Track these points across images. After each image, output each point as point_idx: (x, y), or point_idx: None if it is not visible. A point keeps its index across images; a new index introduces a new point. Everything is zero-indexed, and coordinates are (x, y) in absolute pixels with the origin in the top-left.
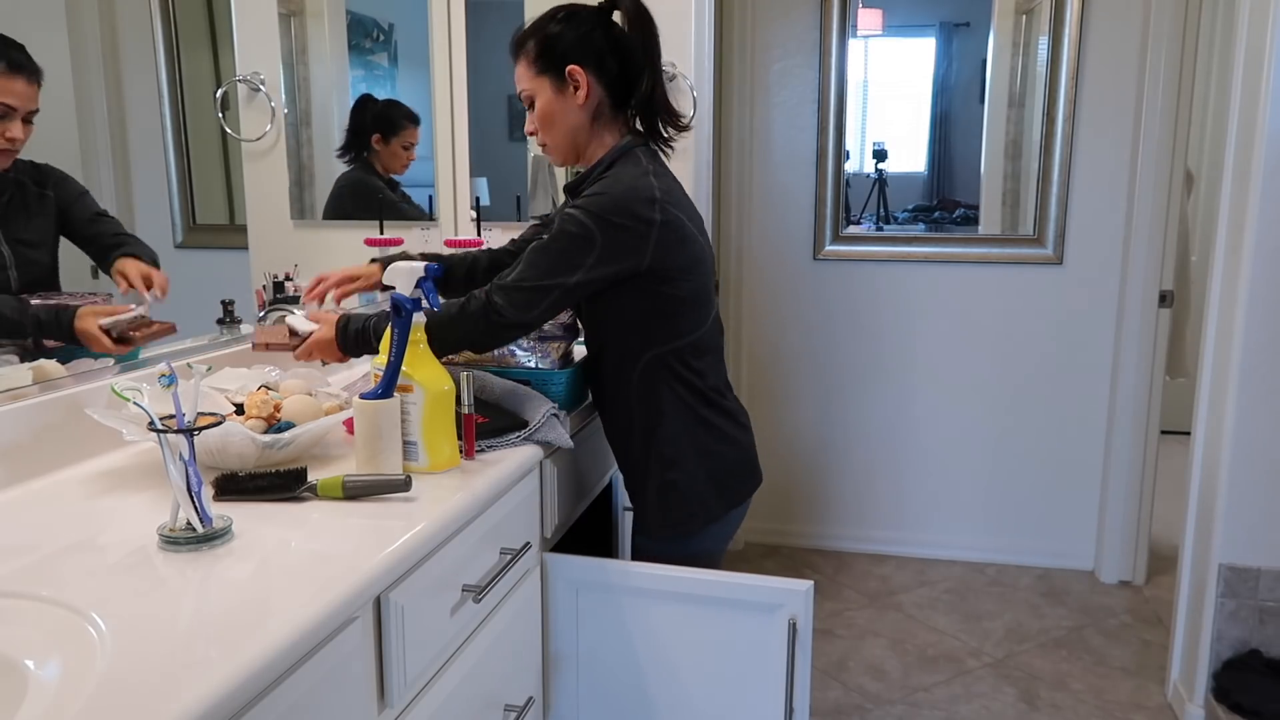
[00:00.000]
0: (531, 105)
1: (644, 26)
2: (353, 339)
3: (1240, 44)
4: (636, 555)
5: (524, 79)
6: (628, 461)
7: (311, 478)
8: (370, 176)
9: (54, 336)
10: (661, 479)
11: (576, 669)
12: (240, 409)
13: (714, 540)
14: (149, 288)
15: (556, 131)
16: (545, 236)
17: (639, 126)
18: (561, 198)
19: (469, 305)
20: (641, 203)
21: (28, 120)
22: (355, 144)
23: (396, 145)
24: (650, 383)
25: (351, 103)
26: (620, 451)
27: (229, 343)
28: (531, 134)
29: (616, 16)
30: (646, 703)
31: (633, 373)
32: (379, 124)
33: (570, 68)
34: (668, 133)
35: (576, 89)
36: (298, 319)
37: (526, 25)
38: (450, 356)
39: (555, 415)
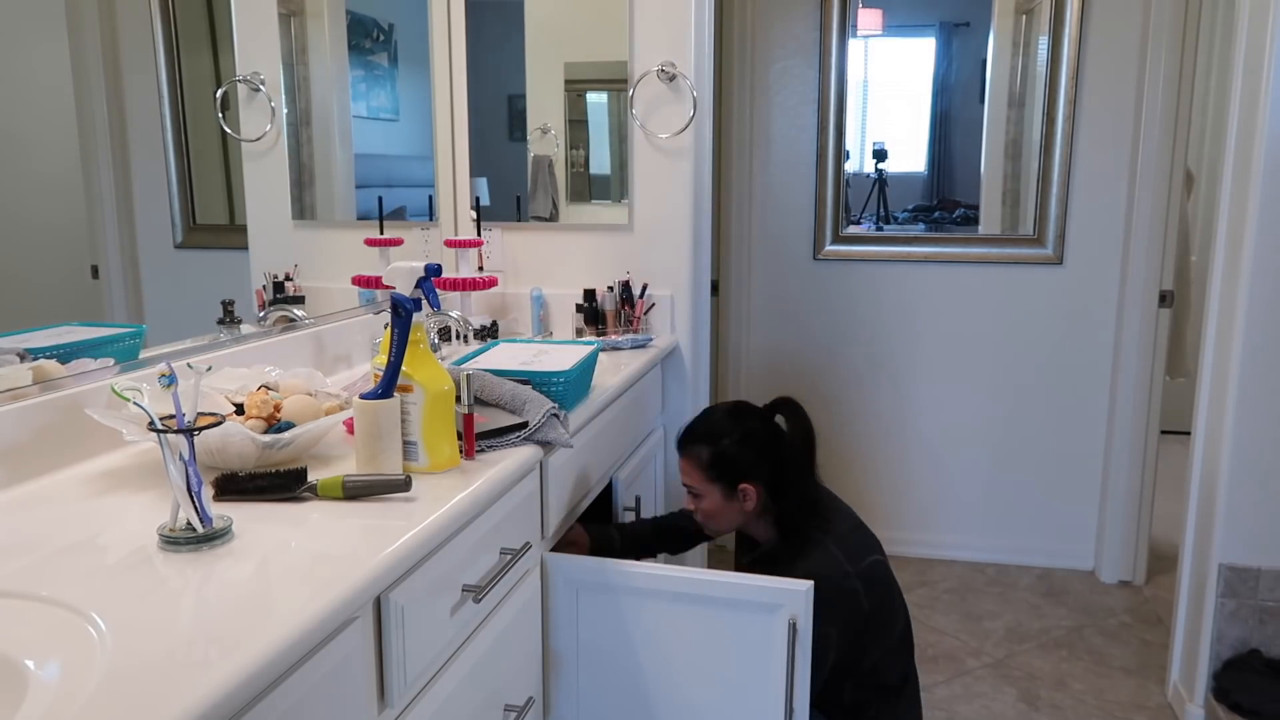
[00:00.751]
0: (696, 496)
1: (805, 430)
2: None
3: (1240, 44)
4: None
5: (692, 477)
6: None
7: (311, 478)
8: None
9: None
10: None
11: (576, 669)
12: (240, 409)
13: None
14: None
15: (720, 524)
16: None
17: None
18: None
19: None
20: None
21: None
22: None
23: None
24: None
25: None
26: None
27: (229, 343)
28: (692, 512)
29: (780, 419)
30: (646, 703)
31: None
32: None
33: (743, 486)
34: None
35: (745, 499)
36: None
37: (698, 424)
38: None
39: (555, 415)
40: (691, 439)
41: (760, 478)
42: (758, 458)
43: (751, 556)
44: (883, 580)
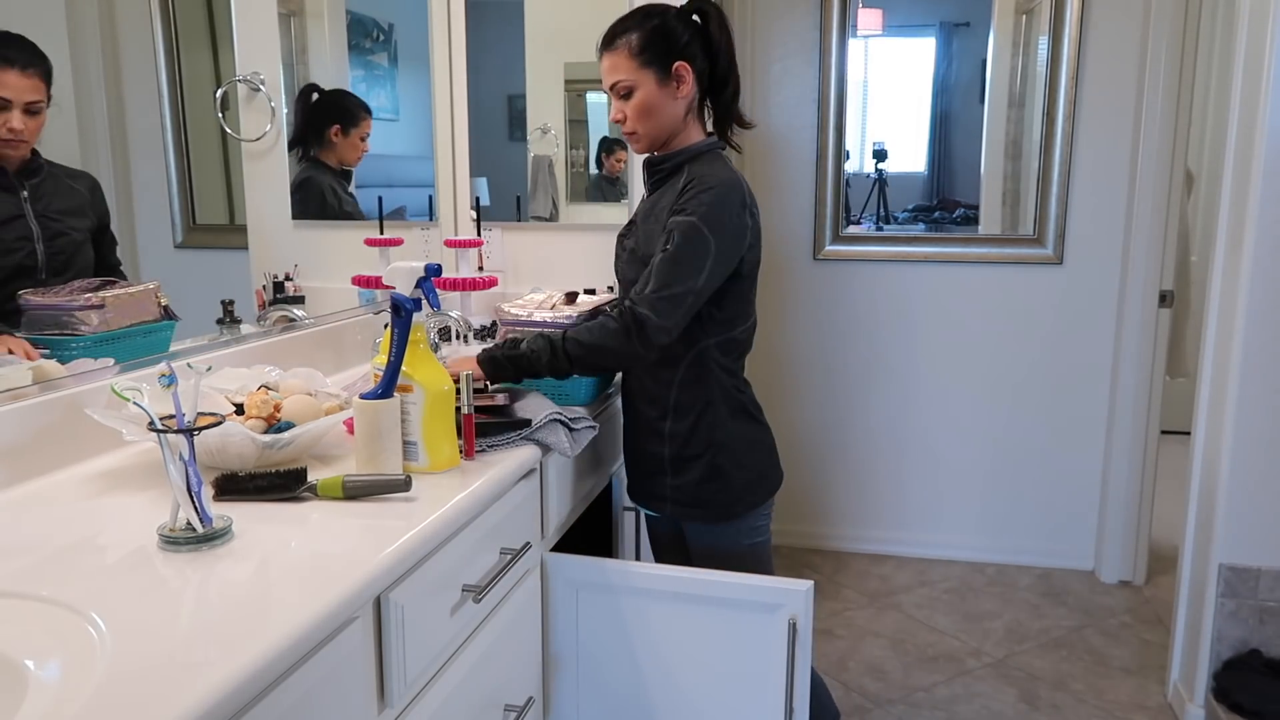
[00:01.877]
0: (626, 95)
1: (726, 29)
2: (503, 360)
3: (1240, 44)
4: (669, 541)
5: (623, 69)
6: (665, 446)
7: (311, 478)
8: (320, 174)
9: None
10: (710, 463)
11: (576, 669)
12: (240, 409)
13: (759, 531)
14: None
15: (652, 123)
16: (667, 247)
17: (710, 125)
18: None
19: (611, 324)
20: (740, 207)
21: (32, 111)
22: (308, 138)
23: (355, 137)
24: (699, 370)
25: (296, 93)
26: (653, 436)
27: (229, 343)
28: (619, 121)
29: (696, 19)
30: (646, 703)
31: (681, 359)
32: (336, 115)
33: (677, 64)
34: (733, 131)
35: (679, 84)
36: None
37: (621, 19)
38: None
39: (560, 420)
40: (618, 30)
41: (693, 59)
42: (691, 36)
43: (648, 159)
44: (758, 258)
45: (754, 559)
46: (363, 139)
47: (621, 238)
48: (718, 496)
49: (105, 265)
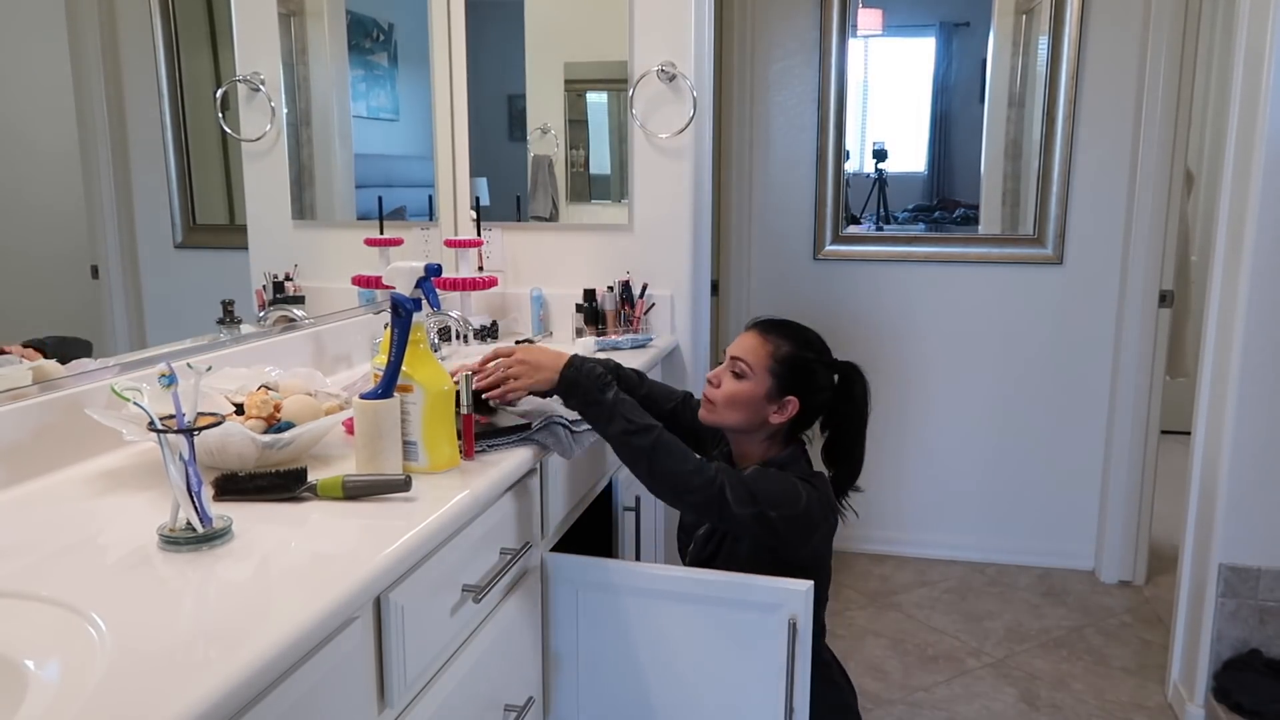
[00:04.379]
0: (738, 375)
1: (858, 395)
2: (585, 380)
3: (1240, 44)
4: None
5: (755, 356)
6: None
7: (311, 478)
8: None
9: None
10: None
11: (576, 669)
12: (240, 409)
13: None
14: None
15: (732, 415)
16: (769, 469)
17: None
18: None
19: (705, 470)
20: (826, 508)
21: None
22: None
23: None
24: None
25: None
26: None
27: (229, 343)
28: (712, 384)
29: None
30: (646, 702)
31: None
32: None
33: (790, 397)
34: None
35: (779, 410)
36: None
37: (792, 325)
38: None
39: (560, 423)
40: (780, 329)
41: (811, 407)
42: (824, 389)
43: (718, 453)
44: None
45: None
46: None
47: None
48: None
49: None
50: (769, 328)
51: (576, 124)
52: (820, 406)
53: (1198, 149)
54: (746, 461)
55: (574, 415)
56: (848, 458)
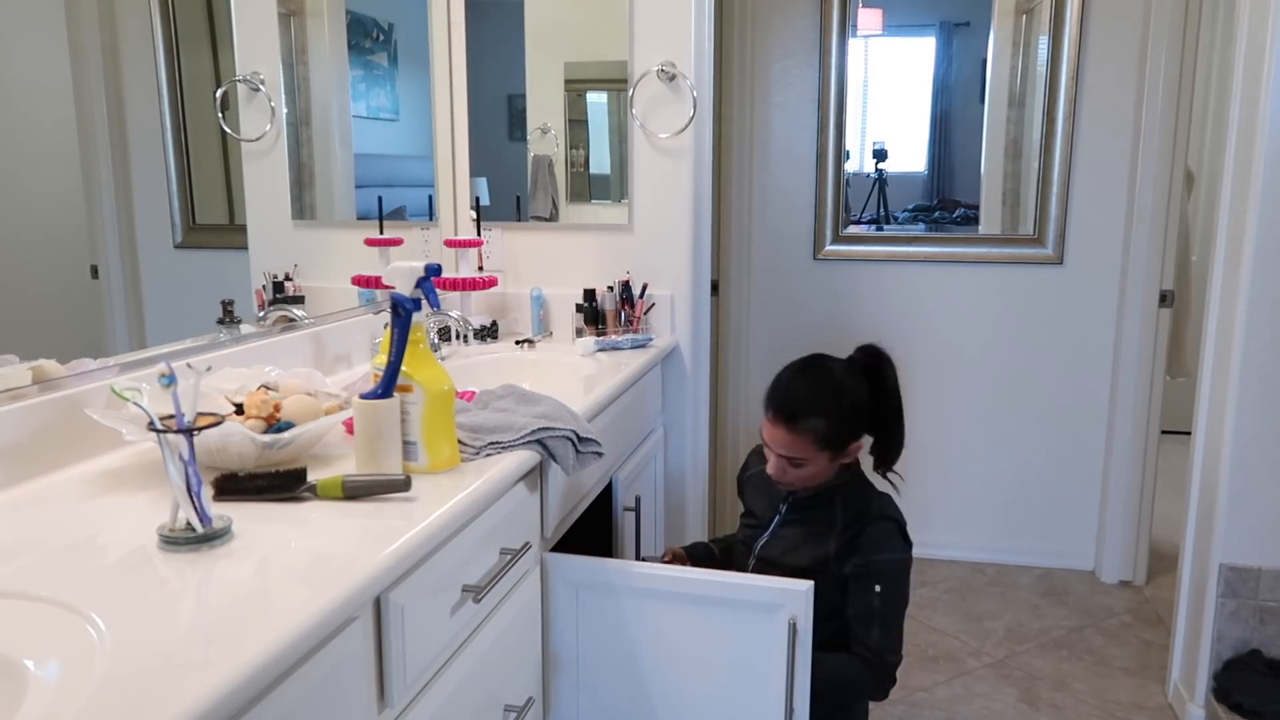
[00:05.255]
0: (797, 465)
1: (892, 387)
2: None
3: (1240, 44)
4: None
5: (799, 450)
6: None
7: (311, 478)
8: None
9: None
10: None
11: (576, 669)
12: (240, 409)
13: None
14: None
15: (810, 484)
16: (872, 590)
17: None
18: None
19: (859, 669)
20: (903, 536)
21: None
22: None
23: None
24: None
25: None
26: None
27: (229, 343)
28: (778, 475)
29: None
30: (646, 703)
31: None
32: None
33: (853, 445)
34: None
35: (847, 455)
36: None
37: (799, 394)
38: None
39: (573, 441)
40: (802, 413)
41: (865, 430)
42: (863, 405)
43: (789, 493)
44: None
45: None
46: None
47: (745, 520)
48: None
49: None
50: (790, 416)
51: (576, 124)
52: (870, 415)
53: (1198, 149)
54: (811, 485)
55: (586, 432)
56: (894, 432)
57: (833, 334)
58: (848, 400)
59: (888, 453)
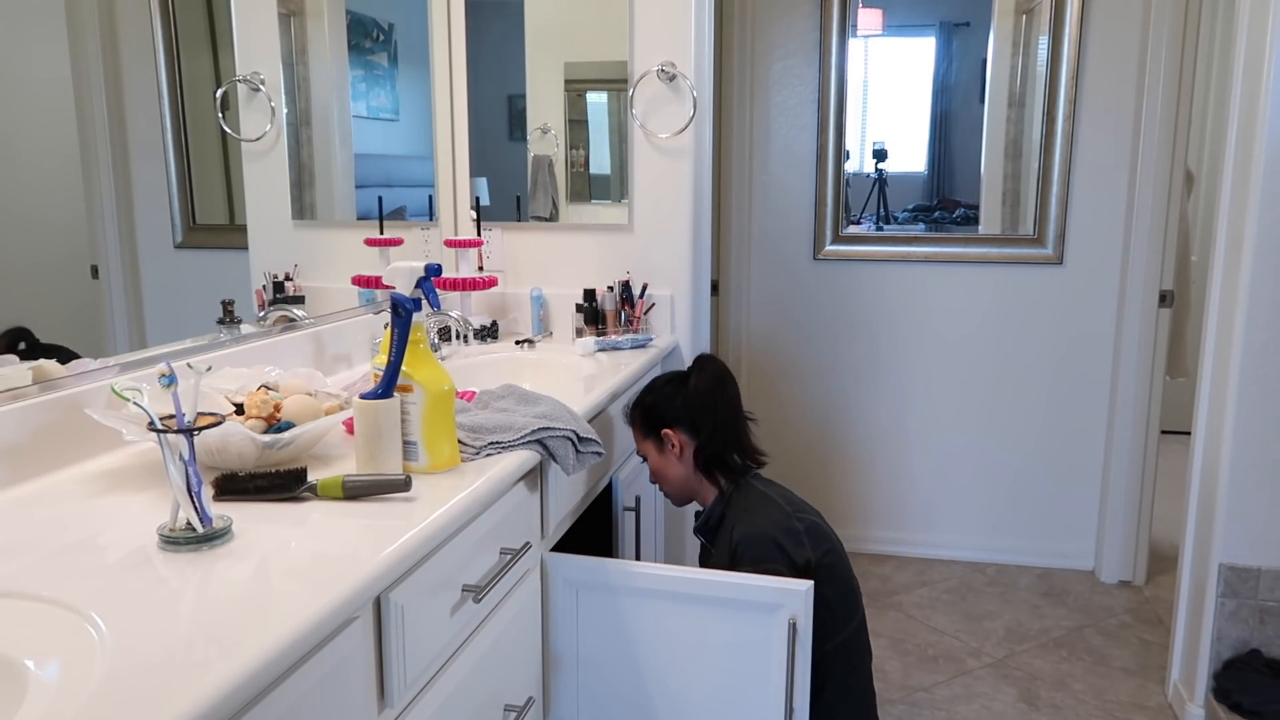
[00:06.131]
0: (644, 461)
1: (717, 385)
2: None
3: (1240, 44)
4: None
5: (638, 443)
6: None
7: (311, 478)
8: None
9: None
10: None
11: (576, 669)
12: (240, 409)
13: None
14: None
15: (668, 483)
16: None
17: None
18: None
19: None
20: (777, 548)
21: None
22: None
23: None
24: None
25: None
26: None
27: (229, 343)
28: (651, 480)
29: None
30: (646, 703)
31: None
32: None
33: (664, 431)
34: (744, 463)
35: (673, 447)
36: None
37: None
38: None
39: (573, 441)
40: (633, 406)
41: (681, 423)
42: (674, 404)
43: (697, 525)
44: (832, 567)
45: None
46: None
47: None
48: None
49: None
50: (627, 414)
51: (576, 124)
52: (688, 410)
53: (1198, 149)
54: (681, 493)
55: (586, 433)
56: (704, 429)
57: (832, 334)
58: (658, 395)
59: (710, 450)
